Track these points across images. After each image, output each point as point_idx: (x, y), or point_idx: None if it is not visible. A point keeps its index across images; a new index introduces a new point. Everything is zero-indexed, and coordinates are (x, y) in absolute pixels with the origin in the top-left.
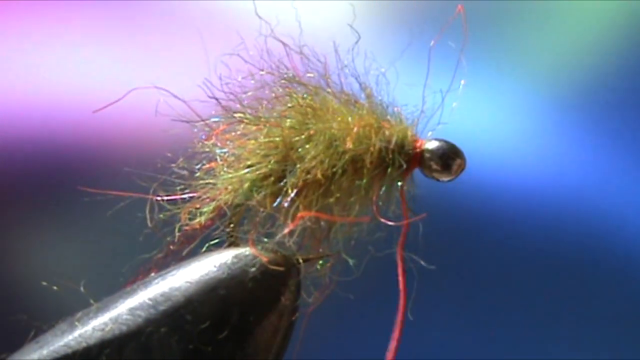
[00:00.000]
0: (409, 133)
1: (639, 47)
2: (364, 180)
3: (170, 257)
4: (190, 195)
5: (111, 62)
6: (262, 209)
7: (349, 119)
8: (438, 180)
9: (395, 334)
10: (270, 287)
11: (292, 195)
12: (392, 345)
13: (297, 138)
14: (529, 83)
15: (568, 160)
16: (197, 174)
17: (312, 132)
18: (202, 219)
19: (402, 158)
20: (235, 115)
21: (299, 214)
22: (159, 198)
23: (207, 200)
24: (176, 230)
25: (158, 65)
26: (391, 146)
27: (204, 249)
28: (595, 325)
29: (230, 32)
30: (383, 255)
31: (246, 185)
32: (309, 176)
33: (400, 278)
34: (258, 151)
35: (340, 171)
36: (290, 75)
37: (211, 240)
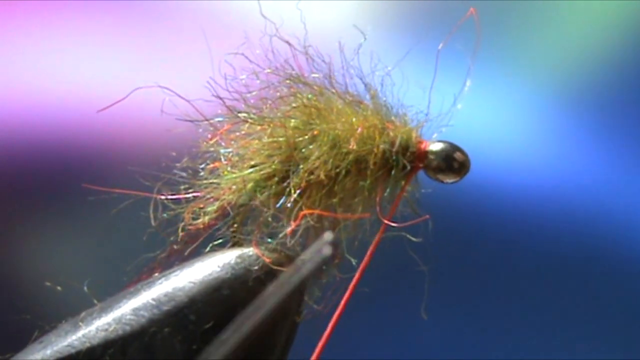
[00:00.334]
0: (414, 134)
1: None
2: (368, 182)
3: (174, 257)
4: (194, 194)
5: (115, 61)
6: (265, 209)
7: (353, 119)
8: (442, 182)
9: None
10: None
11: (296, 195)
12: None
13: (301, 138)
14: (534, 84)
15: (574, 161)
16: (201, 174)
17: (316, 132)
18: (206, 218)
19: (406, 159)
20: (240, 115)
21: (302, 212)
22: (163, 197)
23: (211, 200)
24: (180, 229)
25: (162, 64)
26: (395, 148)
27: (208, 249)
28: (602, 325)
29: (235, 32)
30: (387, 256)
31: (250, 185)
32: (312, 177)
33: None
34: (262, 151)
35: (344, 172)
36: (295, 75)
37: (215, 241)
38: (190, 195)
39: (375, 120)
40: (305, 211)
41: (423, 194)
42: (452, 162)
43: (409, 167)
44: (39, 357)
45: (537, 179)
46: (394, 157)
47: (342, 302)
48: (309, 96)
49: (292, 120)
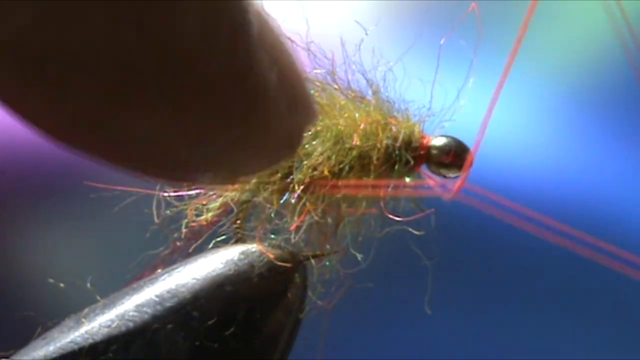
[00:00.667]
0: (416, 130)
1: None
2: (371, 177)
3: (177, 254)
4: (197, 191)
5: None
6: (269, 206)
7: (356, 115)
8: (445, 177)
9: None
10: (277, 283)
11: (299, 191)
12: None
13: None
14: (539, 78)
15: (580, 157)
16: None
17: (319, 128)
18: (209, 215)
19: (409, 154)
20: None
21: (306, 208)
22: (166, 194)
23: (214, 196)
24: (183, 226)
25: None
26: (398, 143)
27: (211, 245)
28: (604, 324)
29: None
30: (391, 252)
31: (253, 181)
32: (315, 172)
33: None
34: None
35: (347, 168)
36: None
37: (218, 237)
38: (193, 192)
39: (378, 116)
40: (309, 207)
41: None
42: (455, 156)
43: (412, 162)
44: (42, 354)
45: (541, 174)
46: (397, 152)
47: None
48: (312, 92)
49: None
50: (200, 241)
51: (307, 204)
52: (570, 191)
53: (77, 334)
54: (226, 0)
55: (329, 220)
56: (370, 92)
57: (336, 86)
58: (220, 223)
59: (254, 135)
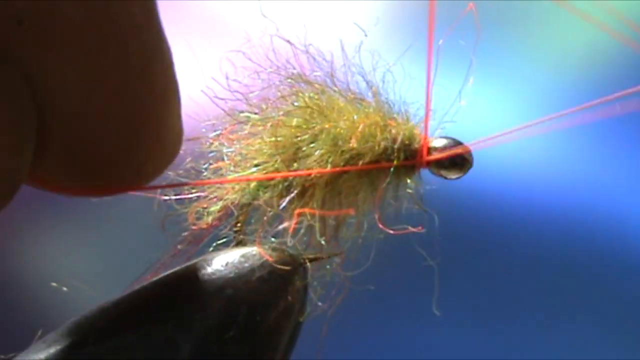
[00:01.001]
0: (416, 131)
1: None
2: (370, 179)
3: (178, 257)
4: (198, 194)
5: None
6: (269, 209)
7: (355, 117)
8: (445, 178)
9: None
10: (278, 286)
11: (298, 194)
12: None
13: (302, 137)
14: (539, 79)
15: (581, 158)
16: (204, 174)
17: (317, 131)
18: (209, 218)
19: (409, 156)
20: (242, 114)
21: (297, 211)
22: (166, 197)
23: (214, 199)
24: (183, 229)
25: None
26: (397, 144)
27: (211, 248)
28: (605, 324)
29: (237, 32)
30: (391, 254)
31: (253, 184)
32: (314, 175)
33: None
34: (264, 150)
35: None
36: (297, 73)
37: (218, 240)
38: (193, 195)
39: (377, 118)
40: (300, 210)
41: (427, 191)
42: (455, 157)
43: (411, 164)
44: (43, 357)
45: (542, 174)
46: (396, 154)
47: None
48: (311, 95)
49: (294, 119)
50: (200, 244)
51: (307, 206)
52: (570, 191)
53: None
54: None
55: (329, 222)
56: (369, 93)
57: (335, 88)
58: (221, 226)
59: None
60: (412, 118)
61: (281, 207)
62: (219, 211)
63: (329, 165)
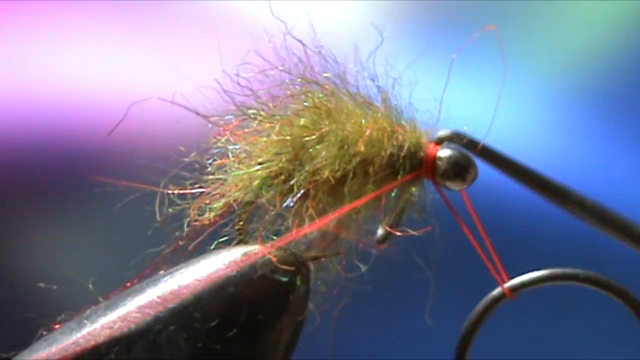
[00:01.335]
0: (423, 140)
1: None
2: (374, 184)
3: (179, 252)
4: (201, 190)
5: (127, 56)
6: (271, 207)
7: (363, 121)
8: (449, 189)
9: None
10: (279, 285)
11: (301, 195)
12: None
13: (309, 137)
14: (546, 80)
15: (588, 158)
16: (209, 169)
17: (324, 132)
18: (212, 215)
19: (414, 164)
20: (249, 111)
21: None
22: (169, 192)
23: (217, 196)
24: (185, 225)
25: (174, 59)
26: (403, 152)
27: (213, 246)
28: (607, 324)
29: (249, 31)
30: (392, 257)
31: (256, 182)
32: (317, 177)
33: None
34: (270, 149)
35: (350, 174)
36: (307, 74)
37: (220, 238)
38: (196, 190)
39: (385, 123)
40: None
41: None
42: (460, 169)
43: (417, 172)
44: (44, 355)
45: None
46: (401, 161)
47: None
48: (320, 96)
49: (302, 119)
50: (201, 240)
51: (309, 208)
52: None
53: (79, 335)
54: None
55: (331, 225)
56: (379, 98)
57: (345, 91)
58: (223, 223)
59: None
60: (420, 126)
61: (284, 206)
62: (221, 208)
63: (335, 166)
